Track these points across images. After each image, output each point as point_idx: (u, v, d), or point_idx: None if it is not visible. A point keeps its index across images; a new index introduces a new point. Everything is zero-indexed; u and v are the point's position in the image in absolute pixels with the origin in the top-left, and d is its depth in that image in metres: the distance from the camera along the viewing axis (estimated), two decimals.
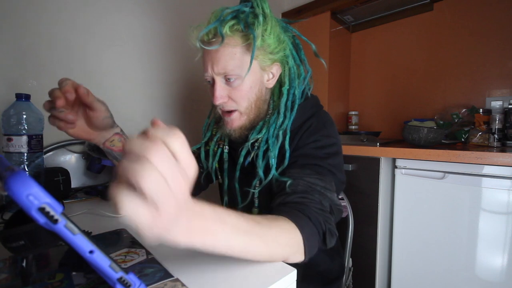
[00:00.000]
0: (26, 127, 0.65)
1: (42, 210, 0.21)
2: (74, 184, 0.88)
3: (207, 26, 0.57)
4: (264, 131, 0.62)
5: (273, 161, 0.60)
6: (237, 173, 0.66)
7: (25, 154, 0.66)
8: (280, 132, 0.61)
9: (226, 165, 0.71)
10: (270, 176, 0.59)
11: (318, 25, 1.63)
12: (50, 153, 0.89)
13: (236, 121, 0.63)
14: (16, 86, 0.83)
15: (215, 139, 0.72)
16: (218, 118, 0.71)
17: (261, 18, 0.56)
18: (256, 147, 0.63)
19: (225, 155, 0.71)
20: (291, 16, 1.77)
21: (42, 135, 0.69)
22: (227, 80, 0.59)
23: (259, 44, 0.57)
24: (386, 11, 1.63)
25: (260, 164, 0.61)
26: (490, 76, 1.35)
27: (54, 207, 0.21)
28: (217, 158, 0.71)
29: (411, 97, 1.60)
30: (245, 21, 0.56)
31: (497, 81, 1.33)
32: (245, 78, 0.59)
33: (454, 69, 1.45)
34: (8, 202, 0.65)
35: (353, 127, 1.78)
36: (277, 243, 0.41)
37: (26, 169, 0.66)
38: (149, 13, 1.16)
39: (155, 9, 1.18)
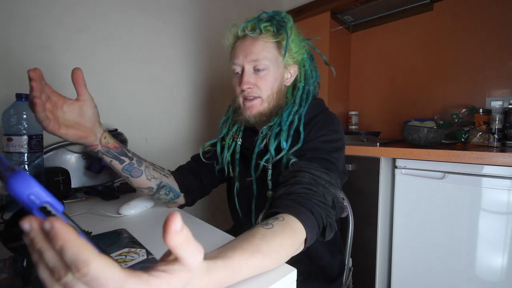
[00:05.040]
0: (26, 127, 0.65)
1: (43, 209, 0.21)
2: (74, 184, 0.88)
3: (247, 21, 0.69)
4: (276, 118, 0.69)
5: (284, 144, 0.65)
6: (253, 162, 0.70)
7: (25, 154, 0.66)
8: (296, 117, 0.67)
9: (237, 156, 0.76)
10: (282, 153, 0.64)
11: (318, 25, 1.63)
12: (50, 153, 0.89)
13: (257, 107, 0.70)
14: (16, 86, 0.83)
15: (230, 133, 0.78)
16: (237, 107, 0.74)
17: (289, 24, 0.68)
18: (269, 130, 0.69)
19: (238, 147, 0.76)
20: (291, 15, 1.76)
21: (42, 135, 0.69)
22: (256, 70, 0.68)
23: (285, 45, 0.68)
24: (386, 11, 1.63)
25: (272, 142, 0.66)
26: (490, 76, 1.35)
27: (55, 207, 0.21)
28: (231, 151, 0.77)
29: (411, 97, 1.60)
30: (277, 24, 0.69)
31: (497, 81, 1.33)
32: (271, 71, 0.69)
33: (454, 69, 1.45)
34: (8, 202, 0.65)
35: (353, 127, 1.78)
36: (286, 253, 0.41)
37: (26, 169, 0.66)
38: (151, 12, 1.16)
39: (157, 9, 1.19)
